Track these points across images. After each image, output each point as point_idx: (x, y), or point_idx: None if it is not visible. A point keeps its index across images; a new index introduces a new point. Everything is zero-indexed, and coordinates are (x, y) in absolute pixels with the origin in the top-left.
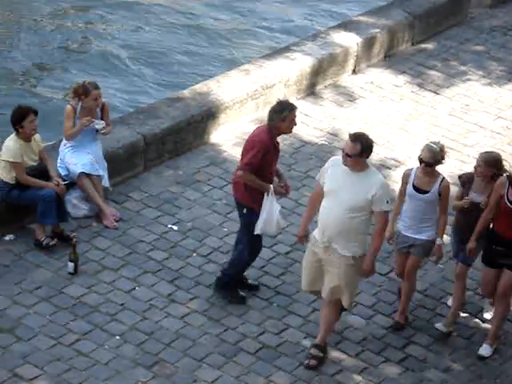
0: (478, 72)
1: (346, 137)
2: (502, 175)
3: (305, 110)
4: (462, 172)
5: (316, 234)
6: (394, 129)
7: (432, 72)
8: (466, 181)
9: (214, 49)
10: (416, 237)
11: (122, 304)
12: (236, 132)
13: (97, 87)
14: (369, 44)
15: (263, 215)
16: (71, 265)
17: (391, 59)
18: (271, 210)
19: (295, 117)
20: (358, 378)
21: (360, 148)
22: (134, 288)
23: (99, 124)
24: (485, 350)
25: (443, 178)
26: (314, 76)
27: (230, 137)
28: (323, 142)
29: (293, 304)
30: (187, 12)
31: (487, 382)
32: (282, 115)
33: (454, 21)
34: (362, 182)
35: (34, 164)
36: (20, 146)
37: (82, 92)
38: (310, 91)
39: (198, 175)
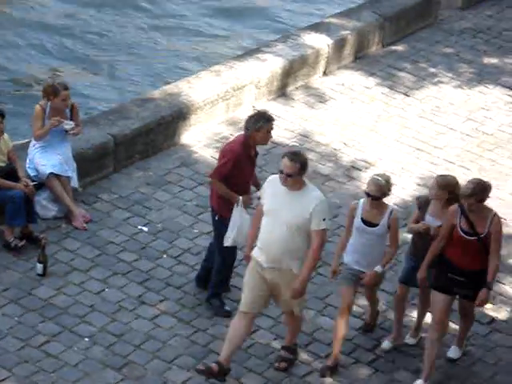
0: (447, 74)
1: (317, 138)
2: (457, 200)
3: (276, 112)
4: (432, 174)
5: (258, 254)
6: (364, 130)
7: (402, 74)
8: (422, 203)
9: (185, 49)
10: (364, 270)
11: (92, 305)
12: (207, 133)
13: (66, 88)
14: (339, 46)
15: (232, 227)
16: (40, 266)
17: (362, 61)
18: (241, 222)
19: (271, 129)
20: (328, 379)
21: (299, 167)
22: (104, 289)
23: (68, 125)
24: (453, 352)
25: (392, 210)
26: (285, 77)
27: (200, 138)
28: (294, 143)
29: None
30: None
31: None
32: (257, 125)
33: (424, 23)
34: (300, 200)
35: (2, 165)
36: None
37: (51, 92)
38: (281, 92)
39: (168, 176)
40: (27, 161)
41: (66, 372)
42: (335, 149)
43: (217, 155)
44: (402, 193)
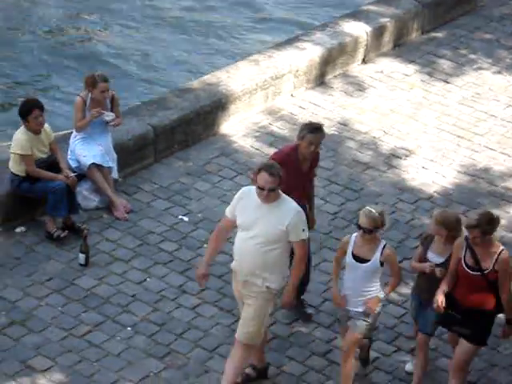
0: (488, 60)
1: (357, 127)
2: (459, 236)
3: (314, 100)
4: (472, 162)
5: (234, 266)
6: (404, 118)
7: (442, 61)
8: (424, 239)
9: (223, 41)
10: (355, 310)
11: (134, 295)
12: (246, 122)
13: (105, 80)
14: (378, 33)
15: None
16: (82, 256)
17: (401, 48)
18: None
19: (315, 142)
20: (370, 367)
21: (279, 180)
22: (145, 279)
23: (109, 116)
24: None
25: (385, 244)
26: (324, 66)
27: (239, 127)
28: (333, 132)
29: (305, 295)
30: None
31: (500, 371)
32: (301, 134)
33: (464, 9)
34: (275, 212)
35: (44, 156)
36: (29, 138)
37: (91, 83)
38: (320, 81)
39: (208, 166)
40: (68, 152)
41: (108, 361)
42: (375, 137)
43: (256, 144)
44: (443, 181)
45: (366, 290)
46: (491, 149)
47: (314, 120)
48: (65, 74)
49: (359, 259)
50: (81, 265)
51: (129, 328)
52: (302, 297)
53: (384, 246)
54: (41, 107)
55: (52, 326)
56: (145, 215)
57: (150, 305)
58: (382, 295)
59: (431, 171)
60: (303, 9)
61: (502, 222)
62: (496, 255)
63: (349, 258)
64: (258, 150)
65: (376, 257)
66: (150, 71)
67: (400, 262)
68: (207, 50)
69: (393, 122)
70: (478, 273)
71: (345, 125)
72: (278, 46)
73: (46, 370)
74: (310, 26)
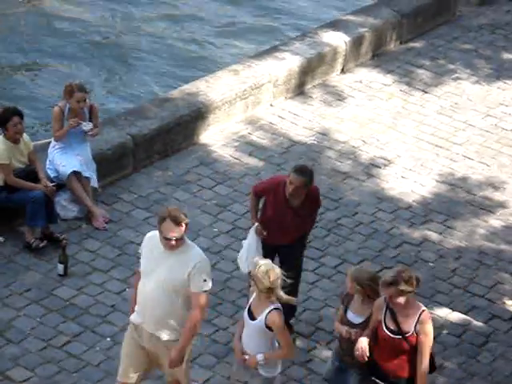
0: (466, 70)
1: (336, 136)
2: (377, 295)
3: (294, 110)
4: (451, 171)
5: (135, 318)
6: (383, 127)
7: (420, 71)
8: (344, 298)
9: (202, 50)
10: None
11: (113, 305)
12: (225, 132)
13: (81, 89)
14: (357, 43)
15: (244, 248)
16: (61, 267)
17: (380, 58)
18: (246, 244)
19: (295, 182)
20: None
21: (185, 227)
22: (125, 289)
23: (86, 126)
24: None
25: (271, 309)
26: (303, 75)
27: (219, 137)
28: (313, 142)
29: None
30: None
31: (479, 380)
32: (289, 174)
33: (442, 19)
34: (178, 258)
35: (22, 166)
36: (7, 148)
37: (68, 92)
38: (299, 91)
39: (187, 176)
40: (47, 162)
41: (88, 372)
42: (354, 146)
43: (236, 154)
44: (422, 190)
45: (253, 345)
46: (469, 158)
47: (294, 129)
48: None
49: (251, 315)
50: (60, 275)
51: (108, 338)
52: (290, 321)
53: (270, 311)
54: (20, 115)
55: (31, 337)
56: (124, 225)
57: (129, 315)
58: (260, 358)
59: (410, 180)
60: (280, 19)
61: (481, 231)
62: (417, 316)
63: (245, 312)
64: (237, 159)
65: (262, 317)
66: (128, 80)
67: (379, 271)
68: (186, 60)
69: (372, 132)
70: (399, 336)
71: (324, 134)
72: (258, 55)
73: (24, 381)
74: (289, 36)
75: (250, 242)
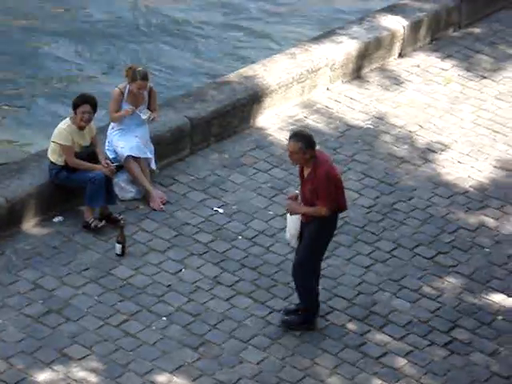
0: None
1: (392, 121)
2: None
3: (350, 94)
4: (508, 157)
5: None
6: (440, 112)
7: (479, 55)
8: None
9: (259, 33)
10: None
11: (169, 285)
12: (282, 116)
13: (144, 78)
14: (415, 27)
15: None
16: (119, 246)
17: (438, 43)
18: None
19: (288, 151)
20: (403, 360)
21: None
22: (181, 270)
23: (144, 114)
24: None
25: None
26: (360, 59)
27: (275, 120)
28: (369, 126)
29: (338, 287)
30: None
31: None
32: None
33: (502, 4)
34: None
35: (85, 144)
36: (71, 131)
37: (130, 76)
38: (356, 75)
39: (243, 158)
40: (106, 143)
41: (144, 350)
42: (410, 131)
43: None
44: (479, 175)
45: None
46: None
47: (350, 114)
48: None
49: None
50: (117, 255)
51: (164, 318)
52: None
53: None
54: (91, 104)
55: (88, 315)
56: (180, 206)
57: (185, 295)
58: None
59: (467, 166)
60: (339, 1)
61: None
62: None
63: None
64: None
65: None
66: (187, 64)
67: (434, 256)
68: (243, 43)
69: (429, 117)
70: None
71: (380, 119)
72: (315, 39)
73: (82, 359)
74: (347, 20)
75: (292, 218)
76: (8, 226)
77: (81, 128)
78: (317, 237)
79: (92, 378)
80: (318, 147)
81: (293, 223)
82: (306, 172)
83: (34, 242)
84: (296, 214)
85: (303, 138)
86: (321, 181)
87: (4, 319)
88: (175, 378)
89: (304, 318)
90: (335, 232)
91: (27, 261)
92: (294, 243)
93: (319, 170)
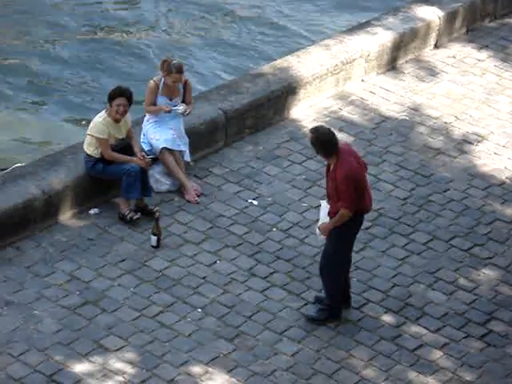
0: None
1: (428, 112)
2: None
3: (385, 85)
4: None
5: None
6: (476, 103)
7: None
8: None
9: (294, 24)
10: None
11: (204, 277)
12: (316, 107)
13: (179, 71)
14: (451, 18)
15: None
16: (154, 238)
17: (474, 33)
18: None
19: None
20: (439, 353)
21: None
22: (215, 262)
23: (179, 109)
24: None
25: None
26: (395, 50)
27: (309, 112)
28: (404, 117)
29: (373, 279)
30: None
31: None
32: None
33: None
34: None
35: (120, 137)
36: (107, 123)
37: (165, 69)
38: (391, 66)
39: (278, 150)
40: (141, 135)
41: (179, 342)
42: (446, 122)
43: None
44: None
45: None
46: None
47: (385, 105)
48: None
49: None
50: (153, 247)
51: (199, 309)
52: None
53: None
54: (127, 97)
55: (124, 307)
56: (215, 198)
57: (219, 287)
58: None
59: (503, 157)
60: None
61: None
62: None
63: None
64: None
65: None
66: (222, 56)
67: (470, 247)
68: (277, 34)
69: (465, 108)
70: None
71: (416, 110)
72: (350, 30)
73: (118, 350)
74: (382, 11)
75: (325, 213)
76: (45, 218)
77: (116, 121)
78: (339, 236)
79: (128, 368)
80: (348, 140)
81: (326, 219)
82: (331, 167)
83: (70, 234)
84: (328, 231)
85: (315, 141)
86: (340, 182)
87: (41, 311)
88: (210, 369)
89: (329, 313)
90: (370, 224)
91: (64, 253)
92: (322, 239)
93: (339, 170)
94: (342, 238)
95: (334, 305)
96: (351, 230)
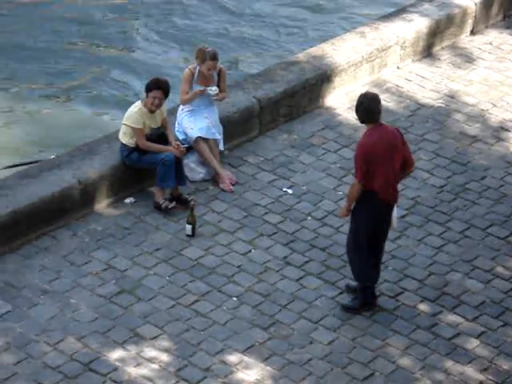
0: None
1: (464, 99)
2: None
3: (421, 72)
4: None
5: None
6: None
7: None
8: None
9: (329, 11)
10: None
11: (239, 266)
12: (351, 95)
13: (214, 58)
14: (487, 4)
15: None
16: (189, 227)
17: (510, 20)
18: None
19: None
20: (476, 341)
21: None
22: (250, 250)
23: (212, 90)
24: None
25: None
26: (431, 37)
27: (344, 100)
28: (440, 105)
29: (409, 268)
30: None
31: None
32: None
33: None
34: None
35: (154, 127)
36: (142, 114)
37: (200, 57)
38: (427, 53)
39: (312, 139)
40: (176, 124)
41: (215, 330)
42: (483, 109)
43: None
44: None
45: None
46: None
47: (421, 92)
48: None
49: None
50: (188, 235)
51: (234, 298)
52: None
53: None
54: (163, 90)
55: (160, 295)
56: (250, 187)
57: (254, 276)
58: None
59: None
60: None
61: None
62: None
63: None
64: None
65: None
66: (256, 44)
67: (508, 236)
68: (313, 21)
69: (502, 95)
70: None
71: (452, 97)
72: (385, 17)
73: (154, 338)
74: None
75: None
76: (80, 207)
77: (151, 111)
78: (356, 215)
79: (164, 357)
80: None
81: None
82: None
83: (106, 222)
84: (348, 209)
85: (357, 103)
86: (356, 151)
87: (77, 299)
88: (246, 358)
89: (361, 299)
90: (406, 213)
91: (99, 241)
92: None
93: (360, 140)
94: (359, 217)
95: (364, 289)
96: (368, 212)
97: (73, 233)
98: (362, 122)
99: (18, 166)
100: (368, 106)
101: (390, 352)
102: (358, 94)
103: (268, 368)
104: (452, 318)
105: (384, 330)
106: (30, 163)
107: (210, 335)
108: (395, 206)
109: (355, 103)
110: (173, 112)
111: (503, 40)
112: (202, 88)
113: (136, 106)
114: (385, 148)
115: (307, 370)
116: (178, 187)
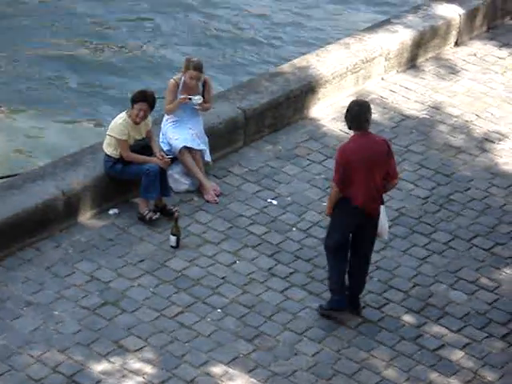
0: None
1: (449, 110)
2: None
3: (406, 84)
4: None
5: None
6: (497, 101)
7: None
8: None
9: (312, 23)
10: None
11: (223, 277)
12: (335, 106)
13: (196, 68)
14: (472, 16)
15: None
16: (173, 238)
17: (494, 31)
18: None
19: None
20: (460, 353)
21: None
22: (235, 262)
23: (196, 100)
24: None
25: None
26: (416, 49)
27: (329, 111)
28: (424, 116)
29: (393, 279)
30: None
31: None
32: None
33: None
34: None
35: (139, 138)
36: (127, 125)
37: (184, 66)
38: (412, 64)
39: (297, 150)
40: (160, 135)
41: (199, 342)
42: (467, 120)
43: (345, 128)
44: None
45: None
46: None
47: (405, 103)
48: None
49: None
50: (172, 247)
51: (219, 310)
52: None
53: None
54: (149, 102)
55: (144, 307)
56: (234, 198)
57: (239, 287)
58: None
59: None
60: None
61: None
62: None
63: None
64: (347, 133)
65: None
66: (239, 55)
67: (492, 247)
68: (296, 33)
69: (486, 106)
70: None
71: (436, 108)
72: (369, 28)
73: (137, 350)
74: (402, 9)
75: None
76: (64, 218)
77: (136, 123)
78: (333, 218)
79: (148, 369)
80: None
81: (382, 216)
82: None
83: (89, 234)
84: (329, 209)
85: (347, 109)
86: (336, 153)
87: (61, 311)
88: (230, 370)
89: (331, 302)
90: (390, 224)
91: (83, 253)
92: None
93: (343, 144)
94: (333, 220)
95: (333, 290)
96: (344, 217)
97: (56, 244)
98: (349, 128)
99: (1, 178)
100: (356, 112)
101: (375, 363)
102: (343, 105)
103: (253, 380)
104: (436, 329)
105: (369, 342)
106: (15, 175)
107: (195, 347)
108: (384, 215)
109: (340, 114)
110: (157, 122)
111: (487, 51)
112: (185, 95)
113: (121, 118)
114: (365, 157)
115: (292, 381)
116: (163, 198)
